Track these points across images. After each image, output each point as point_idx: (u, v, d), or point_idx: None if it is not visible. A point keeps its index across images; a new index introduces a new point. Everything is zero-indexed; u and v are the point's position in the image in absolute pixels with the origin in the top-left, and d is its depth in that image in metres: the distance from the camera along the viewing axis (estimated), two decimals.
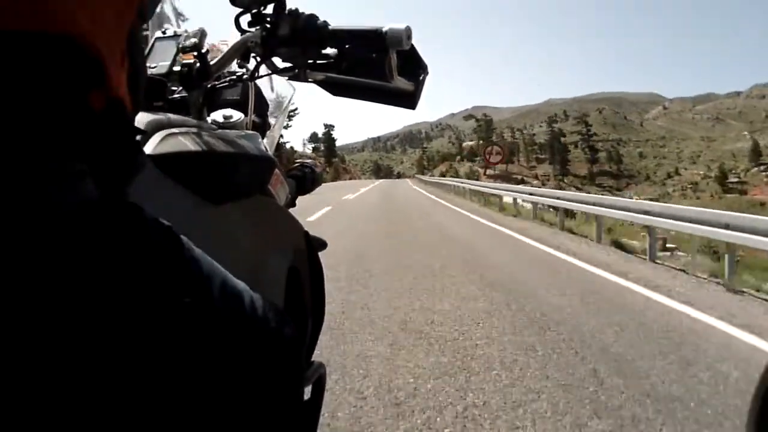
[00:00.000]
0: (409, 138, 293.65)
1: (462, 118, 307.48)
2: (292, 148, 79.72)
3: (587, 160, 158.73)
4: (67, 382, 0.31)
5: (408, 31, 0.76)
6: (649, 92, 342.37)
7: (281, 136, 1.40)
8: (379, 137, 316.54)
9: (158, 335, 0.35)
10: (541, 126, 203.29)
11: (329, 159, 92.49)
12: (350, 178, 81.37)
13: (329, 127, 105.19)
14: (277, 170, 0.99)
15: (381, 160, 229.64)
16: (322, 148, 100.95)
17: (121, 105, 0.38)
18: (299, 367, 0.60)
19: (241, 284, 0.48)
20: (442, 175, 76.50)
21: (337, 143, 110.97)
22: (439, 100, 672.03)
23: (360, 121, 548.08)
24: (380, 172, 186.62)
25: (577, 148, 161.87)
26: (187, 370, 0.37)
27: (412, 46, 0.79)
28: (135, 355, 0.34)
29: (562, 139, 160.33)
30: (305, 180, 1.29)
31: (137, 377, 0.34)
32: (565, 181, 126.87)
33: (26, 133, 0.32)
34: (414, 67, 0.84)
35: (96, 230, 0.34)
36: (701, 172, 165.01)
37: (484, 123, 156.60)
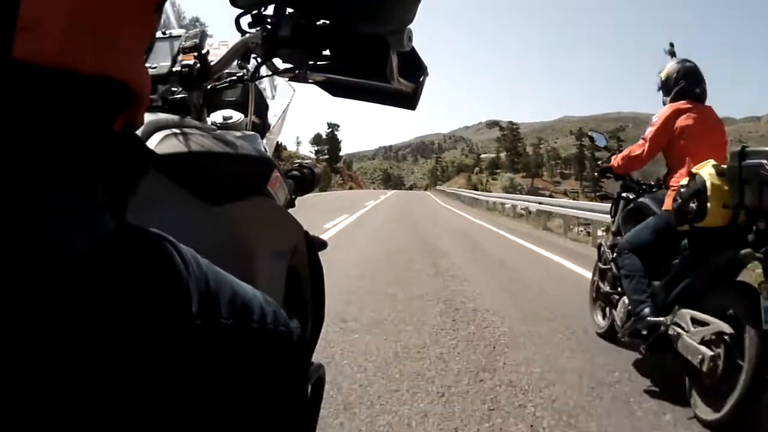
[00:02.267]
0: (421, 148, 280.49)
1: (476, 130, 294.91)
2: (285, 147, 66.45)
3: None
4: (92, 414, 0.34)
5: (409, 33, 0.76)
6: None
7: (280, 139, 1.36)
8: (390, 146, 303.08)
9: (173, 361, 0.38)
10: (556, 141, 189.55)
11: (330, 163, 78.48)
12: (351, 188, 67.35)
13: (333, 127, 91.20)
14: (276, 171, 0.98)
15: (391, 169, 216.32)
16: (326, 151, 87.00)
17: (134, 124, 0.42)
18: (305, 370, 0.60)
19: (250, 291, 0.49)
20: (474, 188, 61.91)
21: (348, 150, 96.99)
22: (453, 112, 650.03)
23: (372, 129, 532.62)
24: (390, 181, 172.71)
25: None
26: (200, 385, 0.41)
27: (413, 47, 0.79)
28: (149, 381, 0.36)
29: (596, 153, 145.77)
30: (304, 180, 1.29)
31: (149, 398, 0.36)
32: (597, 199, 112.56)
33: (57, 166, 0.33)
34: (414, 68, 0.84)
35: (110, 269, 0.36)
36: None
37: (509, 133, 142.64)
